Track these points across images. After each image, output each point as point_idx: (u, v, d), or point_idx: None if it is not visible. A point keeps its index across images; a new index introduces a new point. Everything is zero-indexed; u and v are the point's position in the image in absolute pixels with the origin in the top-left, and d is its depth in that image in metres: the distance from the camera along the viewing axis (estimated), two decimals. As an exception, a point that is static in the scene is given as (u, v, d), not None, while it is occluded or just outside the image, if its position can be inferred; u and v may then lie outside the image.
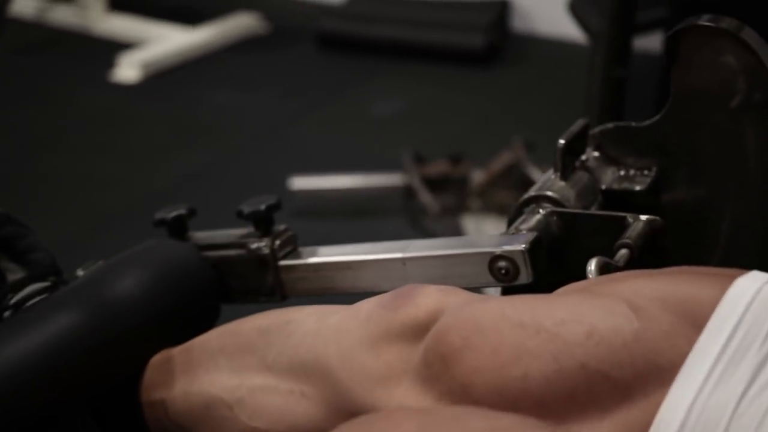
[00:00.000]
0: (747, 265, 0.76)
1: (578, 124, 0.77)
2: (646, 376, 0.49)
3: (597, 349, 0.50)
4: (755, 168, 0.75)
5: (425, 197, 2.02)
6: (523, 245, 0.67)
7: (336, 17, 3.04)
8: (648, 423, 0.48)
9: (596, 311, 0.52)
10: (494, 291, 0.73)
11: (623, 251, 0.66)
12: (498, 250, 0.68)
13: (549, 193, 0.73)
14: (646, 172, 0.78)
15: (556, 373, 0.50)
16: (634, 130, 0.78)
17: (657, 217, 0.69)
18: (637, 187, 0.77)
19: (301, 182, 2.15)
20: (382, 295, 0.61)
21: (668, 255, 0.70)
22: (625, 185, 0.77)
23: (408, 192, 2.08)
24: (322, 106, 2.72)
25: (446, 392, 0.53)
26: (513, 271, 0.68)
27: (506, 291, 0.70)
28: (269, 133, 2.58)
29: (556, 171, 0.75)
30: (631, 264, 0.66)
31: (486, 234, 0.74)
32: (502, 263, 0.68)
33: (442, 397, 0.53)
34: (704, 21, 0.74)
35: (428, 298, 0.58)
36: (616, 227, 0.69)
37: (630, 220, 0.69)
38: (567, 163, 0.75)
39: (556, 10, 2.73)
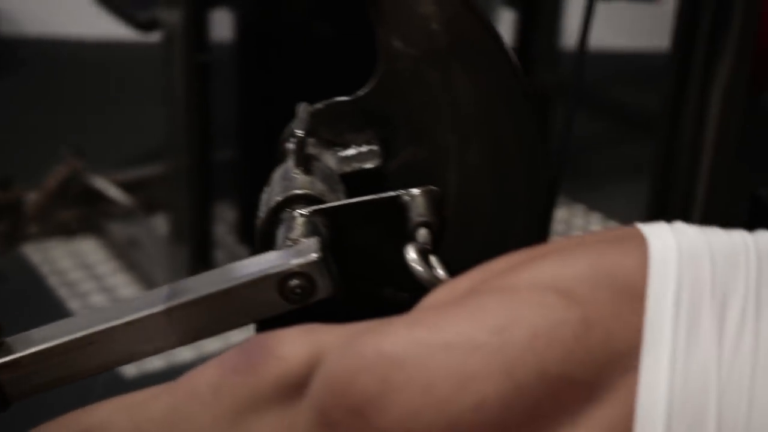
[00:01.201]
0: (479, 216, 0.74)
1: (304, 110, 0.68)
2: (608, 366, 0.42)
3: (550, 350, 0.42)
4: (471, 117, 0.72)
5: (-23, 237, 1.76)
6: (315, 254, 0.58)
7: None
8: (629, 417, 0.42)
9: (527, 308, 0.44)
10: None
11: (423, 231, 0.60)
12: (288, 268, 0.58)
13: (301, 192, 0.64)
14: (368, 147, 0.72)
15: (513, 391, 0.42)
16: (346, 105, 0.71)
17: (433, 187, 0.63)
18: (369, 164, 0.71)
19: None
20: (218, 359, 0.48)
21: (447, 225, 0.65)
22: (356, 165, 0.71)
23: (-47, 234, 1.81)
24: None
25: None
26: (309, 288, 0.58)
27: (275, 320, 0.60)
28: None
29: (297, 165, 0.66)
30: (435, 243, 0.60)
31: (256, 257, 0.62)
32: (294, 281, 0.58)
33: None
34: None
35: (295, 345, 0.46)
36: (392, 209, 0.63)
37: (406, 197, 0.62)
38: (307, 156, 0.66)
39: (44, 10, 2.53)
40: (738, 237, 0.47)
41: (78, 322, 0.60)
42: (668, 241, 0.46)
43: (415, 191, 0.62)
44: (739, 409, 0.41)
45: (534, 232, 0.76)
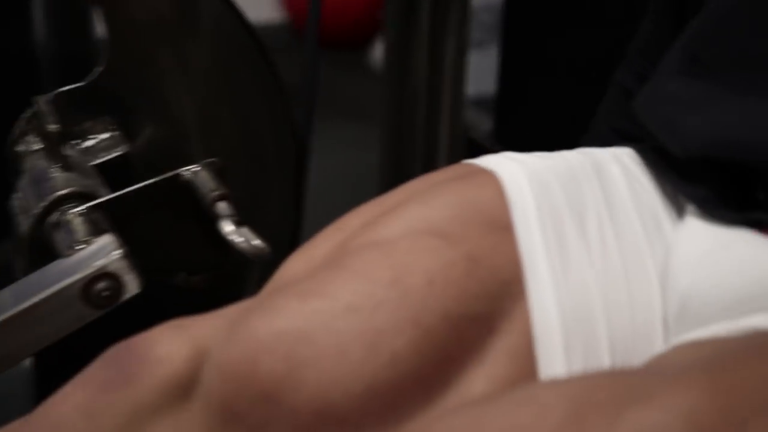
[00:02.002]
0: (233, 182, 0.72)
1: (45, 102, 0.62)
2: (499, 296, 0.43)
3: (448, 291, 0.42)
4: (211, 86, 0.70)
5: None
6: (117, 251, 0.53)
7: None
8: (528, 342, 0.43)
9: (413, 255, 0.43)
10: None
11: (223, 204, 0.57)
12: (91, 271, 0.53)
13: (68, 191, 0.58)
14: (109, 134, 0.67)
15: (423, 338, 0.41)
16: (77, 92, 0.66)
17: (213, 159, 0.60)
18: (115, 152, 0.66)
19: None
20: (79, 379, 0.42)
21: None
22: (102, 155, 0.66)
23: None
24: None
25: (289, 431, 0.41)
26: (116, 287, 0.53)
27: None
28: None
29: (55, 163, 0.60)
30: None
31: (45, 269, 0.55)
32: (100, 284, 0.53)
33: None
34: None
35: (172, 344, 0.42)
36: (175, 189, 0.59)
37: (186, 174, 0.59)
38: (63, 152, 0.60)
39: None
40: (571, 157, 0.50)
41: None
42: (515, 172, 0.48)
43: (196, 167, 0.59)
44: (623, 312, 0.44)
45: (288, 192, 0.75)
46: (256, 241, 0.55)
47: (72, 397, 0.42)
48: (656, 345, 0.44)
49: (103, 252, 0.53)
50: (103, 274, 0.53)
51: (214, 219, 0.56)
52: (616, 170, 0.49)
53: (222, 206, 0.57)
